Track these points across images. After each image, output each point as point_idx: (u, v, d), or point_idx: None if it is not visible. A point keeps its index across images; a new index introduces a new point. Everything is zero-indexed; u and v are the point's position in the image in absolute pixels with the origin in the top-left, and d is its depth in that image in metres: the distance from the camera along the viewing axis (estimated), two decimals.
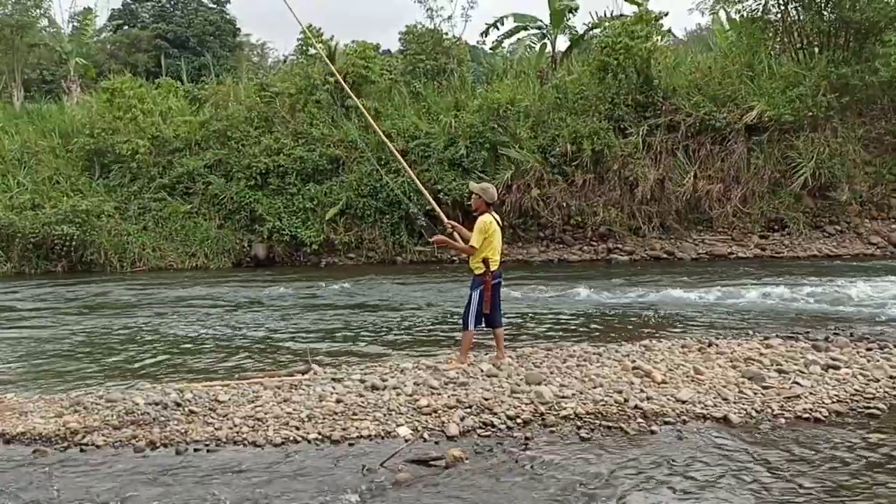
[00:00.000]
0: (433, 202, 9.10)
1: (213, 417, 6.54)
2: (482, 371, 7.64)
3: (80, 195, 21.12)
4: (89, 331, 11.54)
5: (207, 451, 5.91)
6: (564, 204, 20.27)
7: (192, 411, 6.67)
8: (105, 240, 20.51)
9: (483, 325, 7.95)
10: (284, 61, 35.12)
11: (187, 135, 23.21)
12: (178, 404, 6.82)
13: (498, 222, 7.86)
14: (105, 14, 44.42)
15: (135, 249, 20.87)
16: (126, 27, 41.17)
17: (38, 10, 33.92)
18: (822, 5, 21.00)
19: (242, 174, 21.94)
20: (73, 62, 31.85)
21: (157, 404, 6.82)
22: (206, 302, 14.48)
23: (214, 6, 42.56)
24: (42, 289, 16.80)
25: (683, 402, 6.58)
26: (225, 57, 38.75)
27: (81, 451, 5.97)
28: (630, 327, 10.74)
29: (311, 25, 25.37)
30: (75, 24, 34.16)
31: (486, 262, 7.72)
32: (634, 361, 7.76)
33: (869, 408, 6.44)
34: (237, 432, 6.21)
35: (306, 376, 7.86)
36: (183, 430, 6.26)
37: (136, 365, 9.21)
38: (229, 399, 6.97)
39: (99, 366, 9.22)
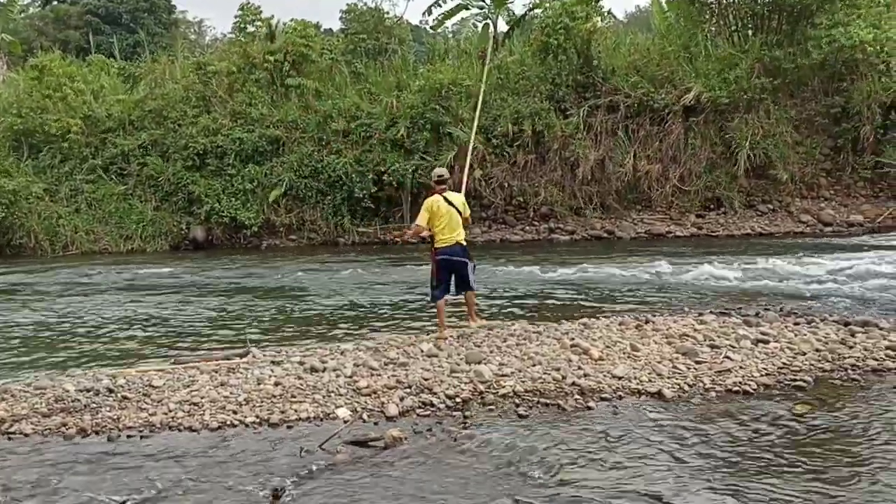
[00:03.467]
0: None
1: (146, 403, 6.43)
2: (422, 351, 7.67)
3: (6, 176, 20.32)
4: (18, 318, 11.17)
5: (141, 437, 5.81)
6: (506, 184, 20.33)
7: (125, 397, 6.54)
8: (35, 223, 19.85)
9: (445, 294, 8.40)
10: (222, 39, 34.37)
11: (121, 114, 22.51)
12: (111, 390, 6.68)
13: (451, 202, 8.24)
14: None
15: (67, 233, 20.24)
16: (55, 2, 39.65)
17: None
18: None
19: (179, 155, 21.41)
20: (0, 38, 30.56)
21: (88, 391, 6.66)
22: (143, 286, 14.16)
23: None
24: None
25: (619, 378, 6.71)
26: (160, 34, 37.65)
27: (9, 439, 5.83)
28: (570, 305, 10.87)
29: (249, 2, 24.89)
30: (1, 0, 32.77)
31: (432, 235, 8.22)
32: (573, 339, 7.87)
33: (795, 380, 6.66)
34: (172, 417, 6.12)
35: (245, 360, 7.77)
36: (115, 417, 6.14)
37: (68, 351, 8.97)
38: (164, 384, 6.86)
39: (29, 353, 8.94)
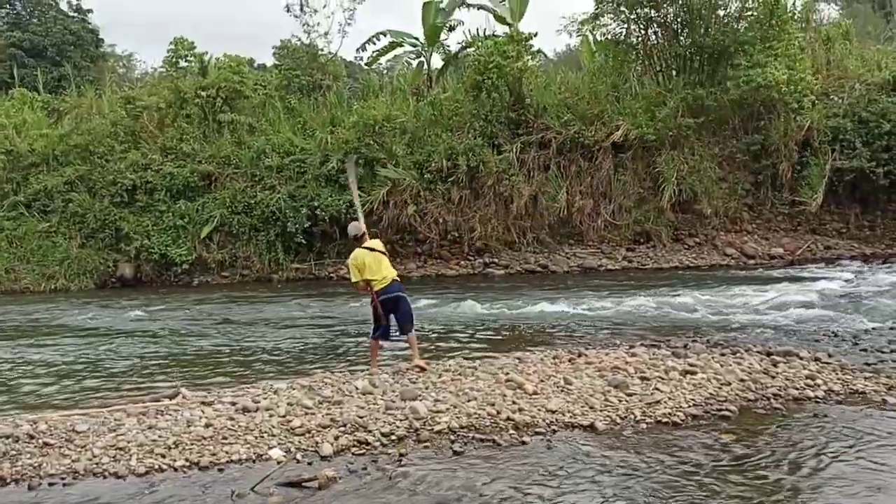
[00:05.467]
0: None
1: (69, 449, 6.18)
2: (357, 388, 7.60)
3: None
4: None
5: (63, 484, 5.59)
6: (441, 219, 20.49)
7: (46, 443, 6.27)
8: None
9: (388, 335, 8.68)
10: (153, 74, 33.85)
11: (45, 149, 21.98)
12: (31, 437, 6.40)
13: (372, 248, 8.62)
14: None
15: None
16: None
17: None
18: (678, 30, 22.31)
19: (107, 191, 20.97)
20: None
21: (7, 437, 6.37)
22: (65, 327, 13.70)
23: (76, 15, 40.42)
24: None
25: (553, 412, 6.77)
26: (87, 68, 36.82)
27: None
28: (505, 339, 10.97)
29: (182, 37, 24.68)
30: None
31: (368, 284, 8.47)
32: (508, 374, 7.92)
33: (721, 410, 6.84)
34: (97, 463, 5.90)
35: (174, 401, 7.56)
36: (36, 464, 5.89)
37: None
38: (88, 429, 6.60)
39: None
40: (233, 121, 22.18)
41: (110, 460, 5.95)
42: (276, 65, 28.42)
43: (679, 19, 22.09)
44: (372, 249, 8.65)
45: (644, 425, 6.53)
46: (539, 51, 25.74)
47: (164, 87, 23.48)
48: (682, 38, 22.28)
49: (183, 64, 24.64)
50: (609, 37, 23.44)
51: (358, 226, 8.95)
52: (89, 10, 40.94)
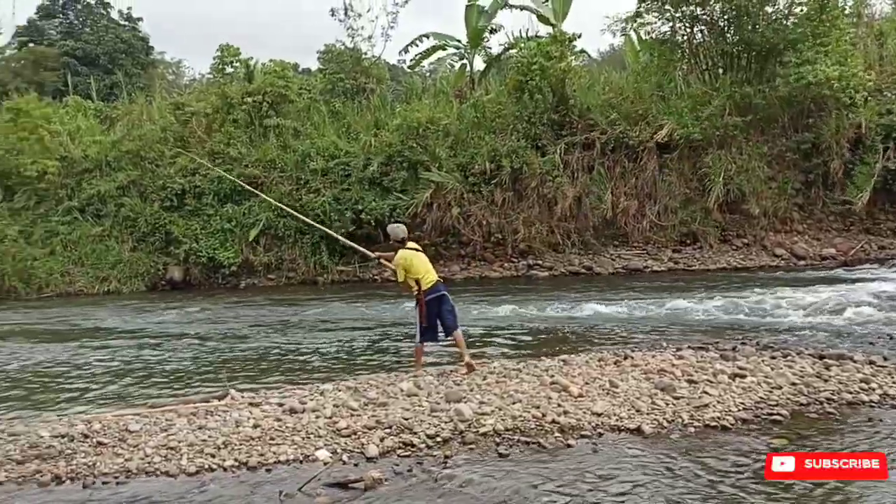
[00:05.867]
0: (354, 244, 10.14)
1: (122, 448, 6.33)
2: (402, 390, 7.64)
3: None
4: None
5: (117, 483, 5.72)
6: (485, 221, 20.47)
7: (100, 443, 6.44)
8: (9, 265, 19.64)
9: (436, 337, 8.73)
10: (200, 80, 34.52)
11: (98, 155, 22.49)
12: (86, 436, 6.58)
13: (416, 249, 8.80)
14: (10, 31, 42.68)
15: (41, 275, 20.04)
16: (32, 44, 39.63)
17: None
18: (725, 28, 21.95)
19: (157, 195, 21.40)
20: None
21: (63, 437, 6.56)
22: (119, 328, 14.02)
23: (126, 23, 41.45)
24: None
25: (599, 414, 6.72)
26: (137, 75, 37.72)
27: None
28: (550, 341, 10.91)
29: (228, 43, 25.08)
30: None
31: (418, 283, 8.51)
32: (553, 376, 7.89)
33: (772, 414, 6.71)
34: (149, 462, 6.04)
35: (223, 402, 7.69)
36: (91, 463, 6.04)
37: (42, 397, 8.83)
38: (141, 428, 6.76)
39: (2, 398, 8.79)
40: (278, 125, 22.47)
41: (162, 459, 6.08)
42: (321, 69, 28.68)
43: (726, 16, 21.71)
44: (416, 250, 8.79)
45: (692, 429, 6.44)
46: (582, 51, 25.63)
47: (212, 93, 23.88)
48: (729, 35, 21.89)
49: (229, 70, 25.03)
50: (654, 35, 23.16)
51: (403, 228, 9.07)
52: (139, 19, 42.00)
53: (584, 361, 8.76)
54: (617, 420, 6.61)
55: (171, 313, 15.57)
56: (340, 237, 11.72)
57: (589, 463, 5.73)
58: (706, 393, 7.21)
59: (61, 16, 41.58)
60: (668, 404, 6.97)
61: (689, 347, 9.38)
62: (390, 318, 13.77)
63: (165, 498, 5.39)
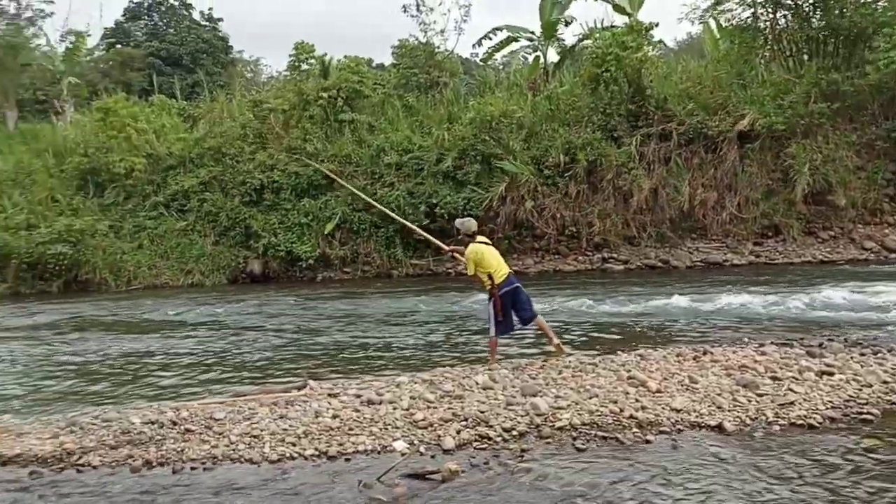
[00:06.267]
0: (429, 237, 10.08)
1: (209, 435, 6.54)
2: (477, 384, 7.66)
3: (74, 214, 21.12)
4: (85, 351, 11.52)
5: (204, 469, 5.91)
6: (559, 214, 20.32)
7: (188, 430, 6.66)
8: (100, 259, 20.50)
9: (511, 328, 8.73)
10: (277, 77, 35.28)
11: (181, 152, 23.27)
12: (174, 423, 6.82)
13: (486, 243, 8.80)
14: (98, 33, 44.52)
15: (130, 268, 20.86)
16: (119, 46, 41.26)
17: (31, 30, 34.02)
18: (810, 13, 21.17)
19: (237, 190, 22.00)
20: (67, 82, 31.93)
21: (153, 423, 6.82)
22: (202, 319, 14.48)
23: (207, 24, 42.73)
24: (37, 309, 16.75)
25: (678, 410, 6.60)
26: (217, 74, 38.87)
27: (78, 471, 5.97)
28: (626, 336, 10.76)
29: (303, 41, 25.55)
30: (68, 43, 34.23)
31: (491, 277, 8.52)
32: (630, 371, 7.78)
33: (862, 413, 6.46)
34: (233, 450, 6.22)
35: (302, 392, 7.86)
36: (179, 449, 6.26)
37: (132, 384, 9.20)
38: (225, 417, 6.97)
39: (95, 386, 9.21)
40: (353, 120, 22.80)
41: (245, 447, 6.26)
42: (394, 64, 28.97)
43: (811, 1, 20.95)
44: (486, 244, 8.78)
45: (776, 427, 6.26)
46: (660, 41, 25.12)
47: (289, 90, 24.40)
48: (814, 20, 21.11)
49: (305, 67, 25.51)
50: (734, 22, 22.53)
51: (473, 222, 9.09)
52: (220, 19, 43.23)
53: (661, 357, 8.60)
54: (697, 416, 6.48)
55: (251, 306, 15.99)
56: (417, 228, 11.81)
57: (668, 459, 5.64)
58: (791, 390, 6.99)
59: (146, 17, 43.15)
60: (750, 401, 6.78)
61: (771, 343, 9.11)
62: (463, 311, 13.82)
63: (250, 484, 5.54)
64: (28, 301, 18.43)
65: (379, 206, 15.21)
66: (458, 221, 9.21)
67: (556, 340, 8.71)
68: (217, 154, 22.97)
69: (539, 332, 9.12)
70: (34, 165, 23.54)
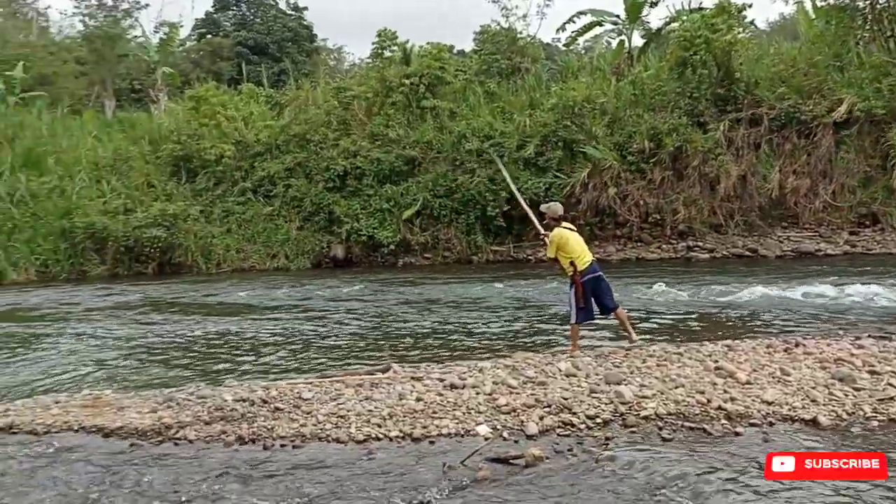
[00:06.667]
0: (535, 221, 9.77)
1: (297, 414, 6.72)
2: (560, 370, 7.63)
3: (168, 199, 21.95)
4: (176, 330, 11.99)
5: (293, 447, 6.08)
6: (642, 202, 19.96)
7: (277, 408, 6.86)
8: (192, 242, 21.24)
9: (591, 316, 8.65)
10: (360, 64, 35.71)
11: (268, 139, 23.85)
12: (265, 401, 7.04)
13: (571, 228, 8.74)
14: (190, 24, 45.99)
15: (219, 251, 21.54)
16: (209, 36, 42.53)
17: (127, 22, 35.40)
18: None
19: (321, 176, 22.42)
20: (161, 71, 33.10)
21: (244, 401, 7.05)
22: (289, 302, 14.86)
23: (293, 13, 43.57)
24: (132, 289, 17.50)
25: (769, 403, 6.42)
26: (302, 62, 39.61)
27: (175, 444, 6.23)
28: (711, 326, 10.52)
29: (385, 28, 25.76)
30: (162, 34, 35.48)
31: (573, 264, 8.46)
32: (717, 361, 7.61)
33: None
34: (321, 429, 6.37)
35: (386, 375, 7.99)
36: (269, 427, 6.45)
37: (222, 363, 9.54)
38: (313, 397, 7.15)
39: (187, 363, 9.59)
40: (435, 106, 22.90)
41: (332, 427, 6.40)
42: (476, 50, 28.92)
43: None
44: (571, 230, 8.72)
45: (875, 423, 6.01)
46: (751, 22, 24.28)
47: (372, 77, 24.69)
48: None
49: (388, 54, 25.73)
50: (831, 1, 21.56)
51: (560, 206, 9.03)
52: (304, 8, 43.98)
53: (750, 348, 8.37)
54: (789, 409, 6.28)
55: (335, 289, 16.31)
56: (524, 203, 11.62)
57: (758, 452, 5.48)
58: (891, 385, 6.70)
59: (235, 8, 44.29)
60: (847, 395, 6.53)
61: (869, 336, 8.74)
62: (544, 298, 13.75)
63: (337, 463, 5.67)
64: (125, 282, 19.27)
65: (511, 183, 15.07)
66: (543, 206, 9.15)
67: (634, 336, 8.60)
68: (302, 141, 23.43)
69: (618, 323, 8.99)
70: (131, 152, 24.55)
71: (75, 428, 6.67)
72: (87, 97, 35.94)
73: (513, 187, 14.44)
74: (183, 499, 5.11)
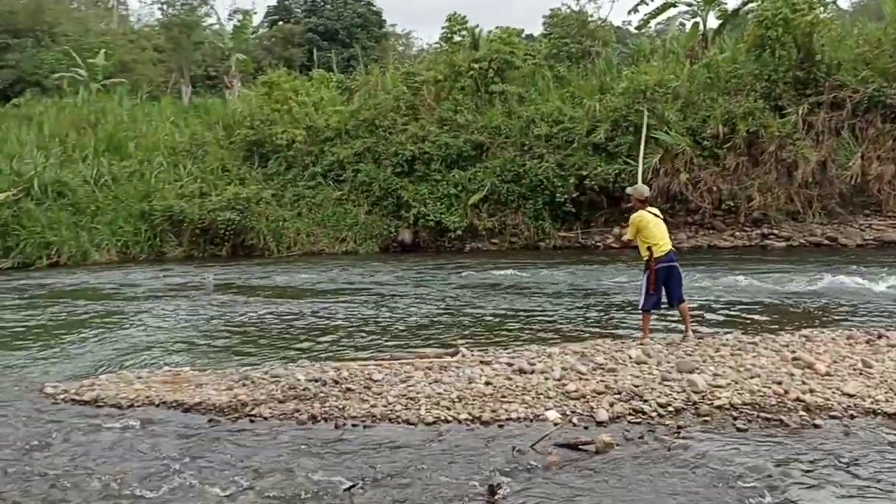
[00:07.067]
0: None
1: (368, 395, 6.83)
2: (631, 357, 7.55)
3: (241, 183, 22.45)
4: (251, 311, 12.27)
5: (364, 427, 6.19)
6: (715, 188, 19.49)
7: (348, 388, 6.99)
8: (264, 225, 21.67)
9: (659, 305, 8.51)
10: (428, 50, 35.77)
11: (338, 124, 24.09)
12: (336, 381, 7.17)
13: (655, 214, 8.56)
14: (262, 10, 46.81)
15: (290, 234, 21.93)
16: (280, 22, 43.21)
17: (203, 10, 36.23)
18: None
19: (389, 161, 22.55)
20: (234, 58, 33.78)
21: (316, 381, 7.20)
22: (357, 285, 15.06)
23: None
24: (208, 270, 17.97)
25: (850, 395, 6.24)
26: (371, 48, 39.89)
27: (251, 421, 6.42)
28: (787, 316, 10.24)
29: (455, 13, 25.69)
30: (236, 21, 36.21)
31: (650, 249, 8.33)
32: (794, 352, 7.43)
33: None
34: (391, 410, 6.46)
35: (455, 358, 8.04)
36: (341, 406, 6.58)
37: (294, 343, 9.74)
38: (383, 378, 7.25)
39: (261, 343, 9.83)
40: (503, 91, 22.78)
41: (402, 408, 6.49)
42: (545, 34, 28.60)
43: None
44: (656, 215, 8.57)
45: None
46: (833, 1, 23.34)
47: (440, 62, 24.67)
48: None
49: (457, 38, 25.67)
50: None
51: (646, 188, 8.94)
52: None
53: (829, 338, 8.14)
54: (872, 403, 6.09)
55: (402, 273, 16.45)
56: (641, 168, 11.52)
57: (838, 445, 5.34)
58: None
59: None
60: None
61: None
62: (613, 285, 13.59)
63: (408, 443, 5.75)
64: (199, 264, 19.82)
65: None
66: (629, 188, 9.04)
67: (690, 333, 8.40)
68: (371, 126, 23.60)
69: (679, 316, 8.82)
70: (206, 137, 25.16)
71: (157, 403, 6.94)
72: (165, 84, 37.01)
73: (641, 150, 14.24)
74: (261, 472, 5.26)
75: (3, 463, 5.58)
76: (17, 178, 21.69)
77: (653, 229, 8.39)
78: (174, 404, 6.86)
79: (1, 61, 35.47)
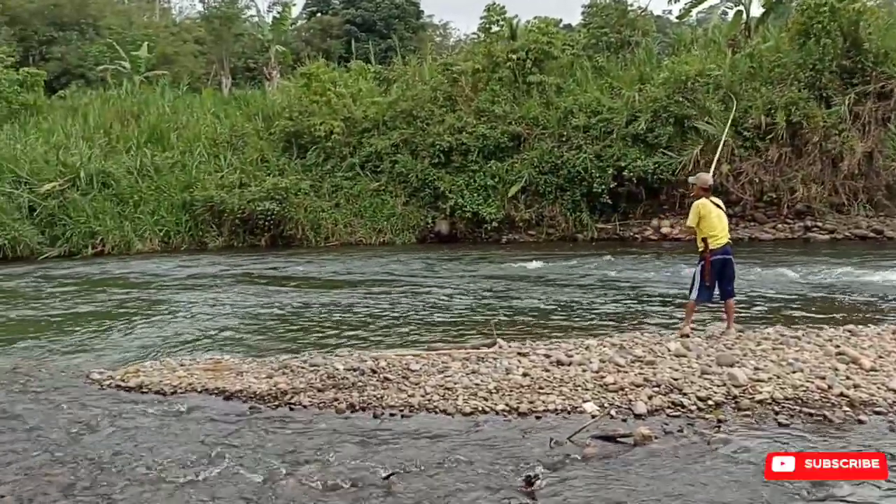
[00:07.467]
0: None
1: (405, 385, 6.87)
2: (670, 350, 7.49)
3: (280, 174, 22.67)
4: (290, 300, 12.42)
5: (402, 416, 6.23)
6: (757, 179, 19.18)
7: (386, 378, 7.04)
8: (302, 216, 21.87)
9: (711, 298, 8.43)
10: (465, 40, 35.69)
11: (376, 115, 24.17)
12: (374, 371, 7.23)
13: (717, 204, 8.37)
14: (301, 2, 47.09)
15: (328, 225, 22.09)
16: (319, 14, 43.45)
17: (243, 2, 36.61)
18: None
19: (427, 152, 22.57)
20: (274, 50, 34.07)
21: (354, 370, 7.26)
22: (394, 276, 15.13)
23: None
24: (245, 261, 18.22)
25: None
26: (409, 38, 39.96)
27: (291, 409, 6.50)
28: (831, 310, 10.05)
29: (494, 3, 25.58)
30: (275, 13, 36.53)
31: (705, 240, 8.22)
32: (838, 347, 7.30)
33: None
34: (429, 400, 6.49)
35: (492, 349, 8.05)
36: (379, 396, 6.63)
37: (332, 332, 9.83)
38: (420, 368, 7.29)
39: (300, 332, 9.94)
40: (541, 82, 22.65)
41: (440, 398, 6.52)
42: (584, 24, 28.37)
43: None
44: (718, 206, 8.39)
45: None
46: None
47: (478, 52, 24.60)
48: None
49: (495, 29, 25.57)
50: None
51: (708, 176, 8.70)
52: None
53: (875, 333, 7.99)
54: None
55: (440, 264, 16.48)
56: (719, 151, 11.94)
57: (884, 442, 5.24)
58: None
59: None
60: None
61: None
62: (652, 277, 13.48)
63: (445, 433, 5.78)
64: (239, 254, 20.08)
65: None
66: (692, 177, 8.91)
67: (732, 329, 8.29)
68: (408, 117, 23.63)
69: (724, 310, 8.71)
70: (246, 129, 25.42)
71: (199, 389, 7.06)
72: (206, 76, 37.51)
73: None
74: (301, 460, 5.33)
75: (53, 447, 5.73)
76: (63, 169, 22.17)
77: (713, 219, 8.23)
78: (216, 391, 6.98)
79: (47, 54, 36.28)
